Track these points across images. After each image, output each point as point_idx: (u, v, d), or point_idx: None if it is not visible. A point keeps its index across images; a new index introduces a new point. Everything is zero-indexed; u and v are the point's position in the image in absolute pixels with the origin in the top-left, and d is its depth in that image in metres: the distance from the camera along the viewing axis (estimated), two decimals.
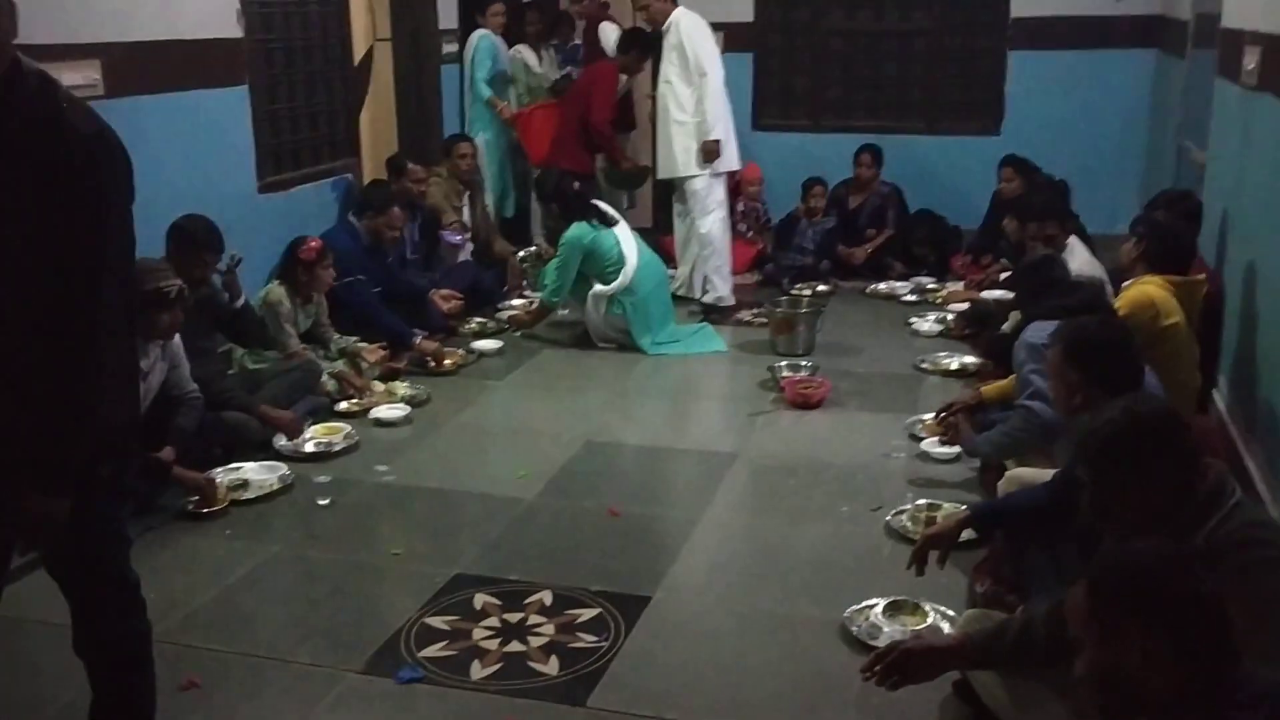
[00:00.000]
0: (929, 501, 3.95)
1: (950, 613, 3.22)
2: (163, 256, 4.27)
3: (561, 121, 6.99)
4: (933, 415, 4.47)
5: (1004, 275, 6.25)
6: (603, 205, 6.09)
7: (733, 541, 3.84)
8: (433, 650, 3.10)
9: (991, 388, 4.34)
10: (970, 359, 5.56)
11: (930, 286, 6.97)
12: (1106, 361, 2.87)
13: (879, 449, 4.52)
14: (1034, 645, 2.48)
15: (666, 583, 3.48)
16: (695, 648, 3.14)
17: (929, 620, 3.17)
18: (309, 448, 4.49)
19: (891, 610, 3.22)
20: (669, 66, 6.36)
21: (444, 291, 6.04)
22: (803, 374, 5.32)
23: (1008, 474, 3.50)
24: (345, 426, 4.68)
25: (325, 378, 4.97)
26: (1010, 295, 5.58)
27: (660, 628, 3.23)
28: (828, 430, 4.81)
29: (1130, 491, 2.21)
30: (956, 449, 4.32)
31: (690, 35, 6.28)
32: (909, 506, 3.92)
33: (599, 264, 5.84)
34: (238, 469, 4.22)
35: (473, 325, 6.21)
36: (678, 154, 6.38)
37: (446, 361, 5.55)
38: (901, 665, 2.52)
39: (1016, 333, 5.00)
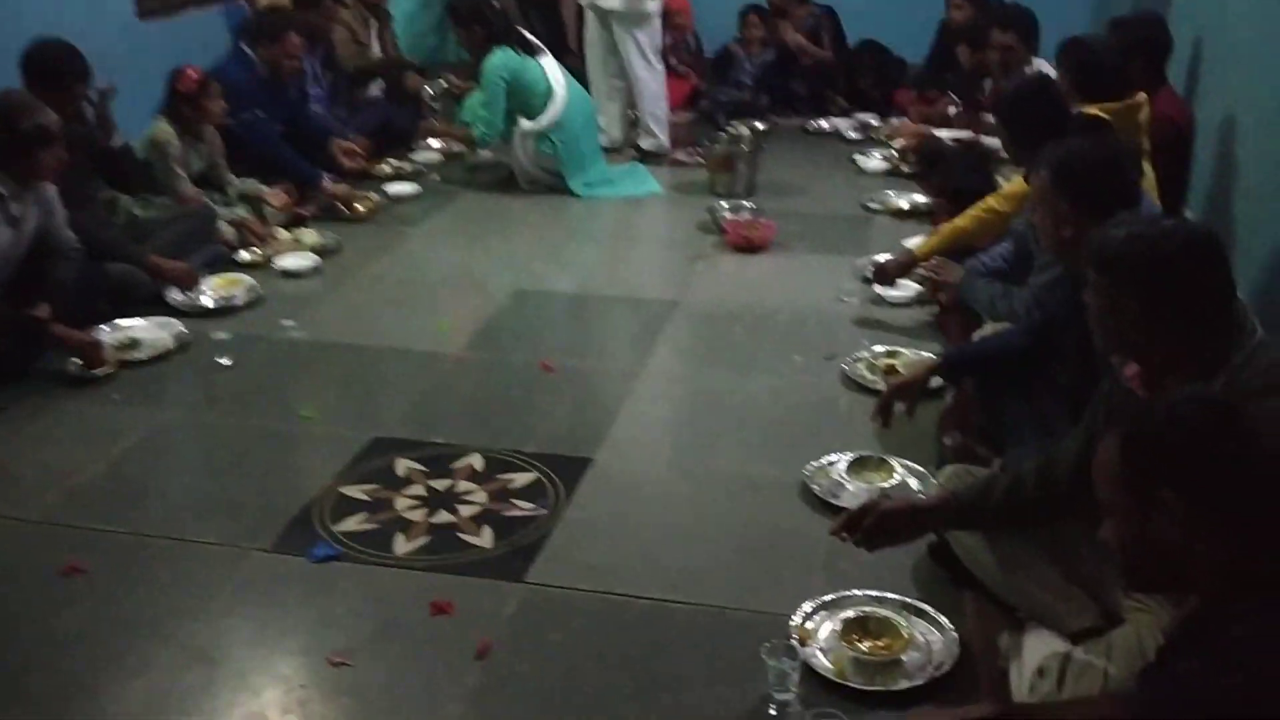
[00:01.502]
0: (887, 348, 3.67)
1: (919, 468, 2.97)
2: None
3: None
4: (874, 271, 4.11)
5: (953, 110, 5.90)
6: (525, 32, 5.56)
7: (678, 396, 3.54)
8: (351, 524, 2.78)
9: (925, 245, 3.99)
10: (920, 198, 5.25)
11: (874, 123, 6.61)
12: (1101, 187, 2.55)
13: (829, 293, 4.22)
14: (1024, 504, 2.24)
15: (608, 443, 3.17)
16: (643, 513, 2.86)
17: (896, 477, 2.92)
18: (207, 302, 4.06)
19: (856, 467, 2.96)
20: None
21: (345, 144, 5.39)
22: (745, 215, 4.96)
23: (986, 327, 3.23)
24: (247, 278, 4.24)
25: (223, 225, 4.50)
26: (964, 134, 5.26)
27: (603, 492, 2.93)
28: (774, 275, 4.49)
29: (1164, 319, 1.92)
30: (909, 292, 4.03)
31: None
32: (865, 354, 3.64)
33: (525, 97, 5.35)
34: (126, 327, 3.79)
35: (386, 168, 5.72)
36: None
37: (358, 206, 5.08)
38: (881, 527, 2.27)
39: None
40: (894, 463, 2.96)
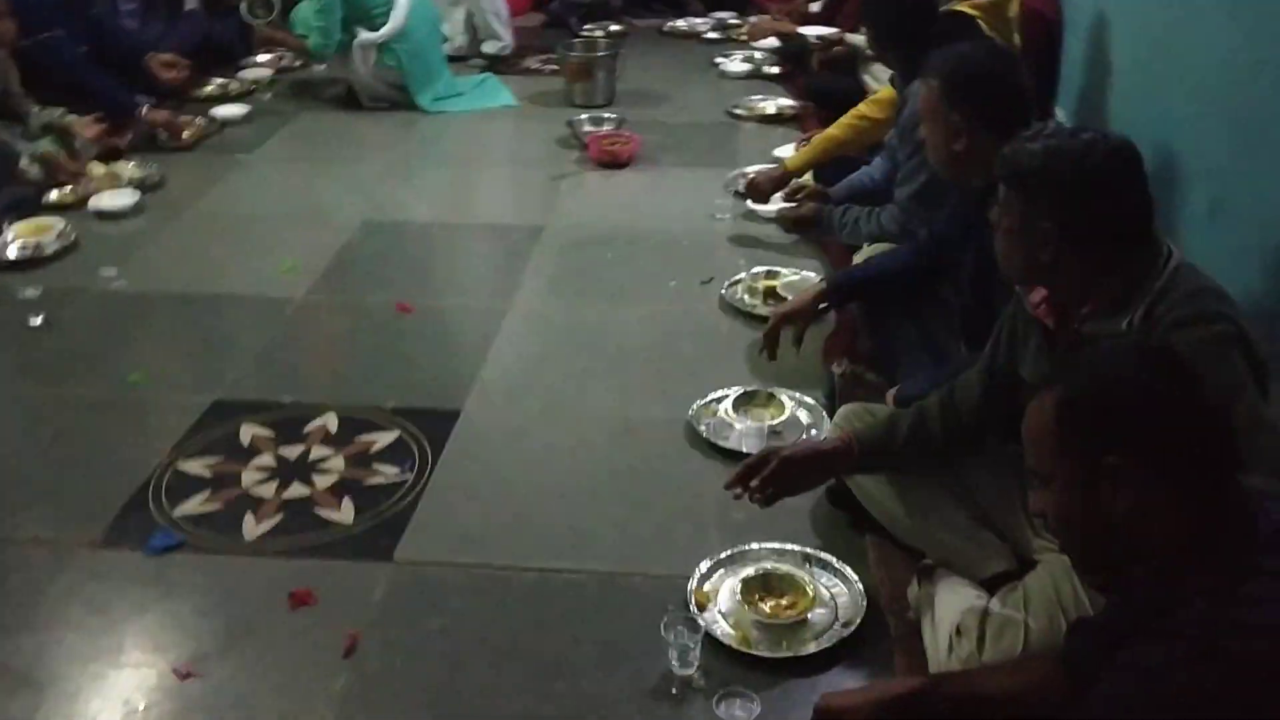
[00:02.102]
0: (766, 269, 3.49)
1: (808, 400, 2.81)
2: None
3: None
4: (746, 187, 3.87)
5: (813, 6, 5.69)
6: None
7: (550, 333, 3.28)
8: (192, 506, 2.48)
9: (797, 158, 3.77)
10: (786, 101, 5.05)
11: (733, 21, 6.36)
12: (995, 97, 2.37)
13: (701, 210, 4.00)
14: (930, 443, 2.11)
15: (477, 391, 2.92)
16: (519, 470, 2.63)
17: (786, 412, 2.75)
18: (11, 253, 3.61)
19: (742, 403, 2.78)
20: None
21: (164, 57, 4.86)
22: (607, 128, 4.69)
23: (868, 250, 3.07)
24: (57, 222, 3.79)
25: (25, 161, 4.02)
26: (829, 31, 5.05)
27: (475, 448, 2.69)
28: (642, 192, 4.25)
29: (1083, 241, 1.76)
30: (777, 206, 3.84)
31: None
32: (744, 276, 3.45)
33: (363, 4, 4.91)
34: None
35: (211, 88, 5.23)
36: None
37: (183, 134, 4.62)
38: (783, 475, 2.09)
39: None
40: (783, 396, 2.79)
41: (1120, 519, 1.30)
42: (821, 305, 2.80)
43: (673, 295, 3.44)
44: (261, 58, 5.60)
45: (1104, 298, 1.81)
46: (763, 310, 3.24)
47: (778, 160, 4.27)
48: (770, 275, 3.44)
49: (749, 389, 2.82)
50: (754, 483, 2.10)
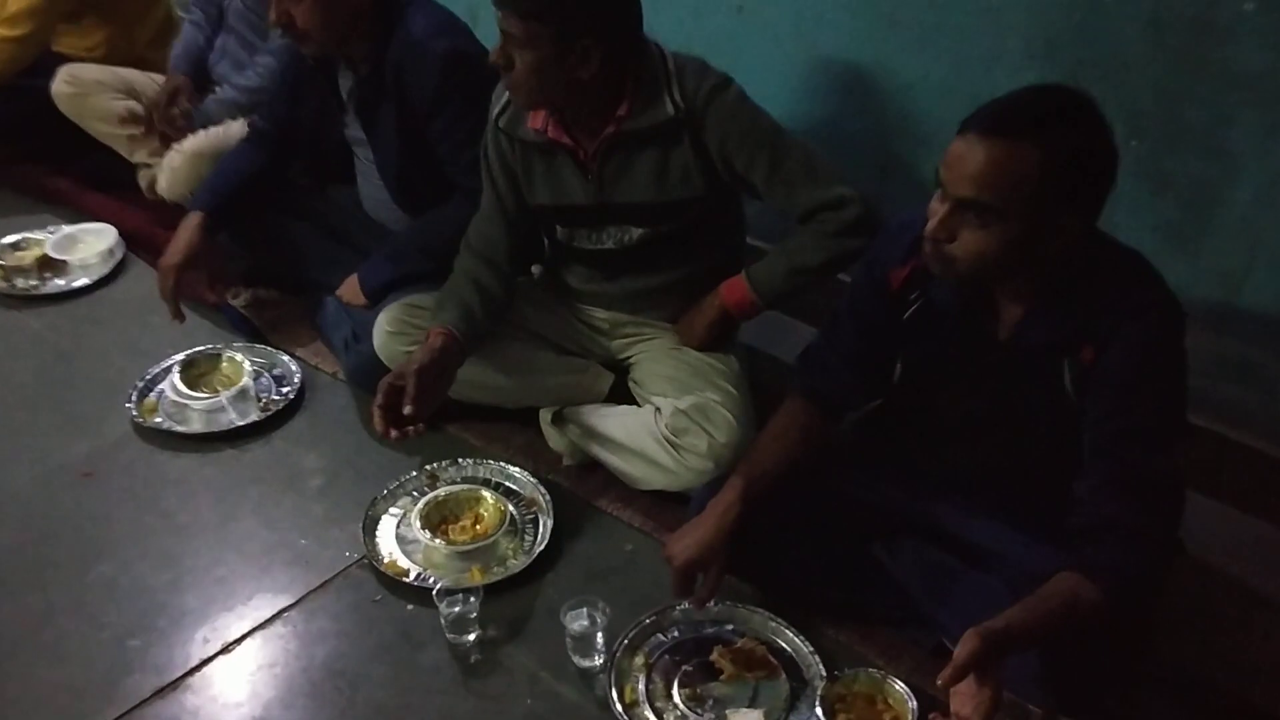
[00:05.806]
0: (12, 240, 2.77)
1: (240, 343, 2.43)
2: None
3: None
4: None
5: None
6: None
7: None
8: None
9: None
10: None
11: None
12: None
13: None
14: (498, 300, 2.06)
15: None
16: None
17: (246, 366, 2.30)
18: None
19: (190, 376, 2.27)
20: None
21: None
22: None
23: (184, 150, 2.61)
24: None
25: None
26: None
27: None
28: None
29: (622, 45, 1.81)
30: None
31: None
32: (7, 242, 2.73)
33: None
34: None
35: None
36: None
37: None
38: (429, 388, 1.89)
39: None
40: (232, 353, 2.35)
41: (1048, 259, 1.42)
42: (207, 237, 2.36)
43: None
44: None
45: (634, 95, 1.87)
46: (58, 284, 2.65)
47: None
48: (25, 244, 2.77)
49: (187, 358, 2.32)
50: (407, 409, 1.84)
